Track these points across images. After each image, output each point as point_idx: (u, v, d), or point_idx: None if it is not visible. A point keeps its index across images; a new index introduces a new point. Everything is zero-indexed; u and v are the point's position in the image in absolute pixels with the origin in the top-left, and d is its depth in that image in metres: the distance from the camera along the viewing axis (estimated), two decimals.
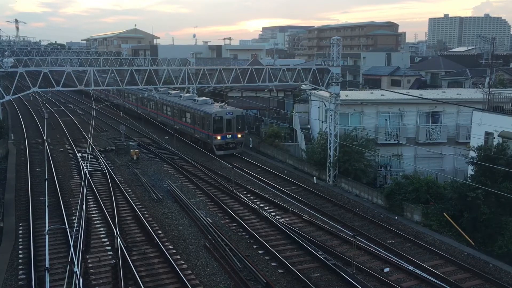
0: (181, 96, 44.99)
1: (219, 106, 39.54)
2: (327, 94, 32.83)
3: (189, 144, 42.58)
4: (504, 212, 22.26)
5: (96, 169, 34.50)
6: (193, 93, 48.26)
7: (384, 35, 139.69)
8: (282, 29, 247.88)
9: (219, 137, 37.52)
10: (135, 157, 37.35)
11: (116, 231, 21.68)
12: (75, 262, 15.94)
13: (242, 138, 38.90)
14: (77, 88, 29.22)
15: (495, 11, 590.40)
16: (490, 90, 29.92)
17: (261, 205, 26.98)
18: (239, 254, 20.15)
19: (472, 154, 25.32)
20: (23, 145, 42.34)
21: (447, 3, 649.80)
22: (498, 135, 24.44)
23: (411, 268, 19.11)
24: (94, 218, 24.77)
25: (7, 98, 26.41)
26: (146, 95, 48.63)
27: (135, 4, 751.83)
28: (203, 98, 42.84)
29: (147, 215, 25.15)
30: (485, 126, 25.82)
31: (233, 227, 23.82)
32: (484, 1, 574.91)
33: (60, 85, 27.45)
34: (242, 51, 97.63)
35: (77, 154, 37.92)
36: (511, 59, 77.99)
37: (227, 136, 37.83)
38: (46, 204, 21.70)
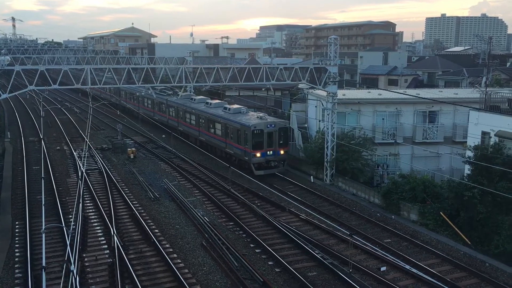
0: (208, 103, 39.40)
1: (257, 117, 33.70)
2: (324, 93, 32.85)
3: (207, 156, 36.63)
4: (500, 211, 22.33)
5: (93, 167, 34.44)
6: (191, 92, 47.90)
7: (381, 35, 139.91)
8: (279, 28, 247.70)
9: (258, 154, 31.71)
10: (132, 156, 37.30)
11: (113, 230, 21.66)
12: (72, 261, 15.93)
13: (285, 155, 33.06)
14: (74, 87, 29.10)
15: (492, 11, 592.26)
16: (487, 89, 29.97)
17: (258, 203, 26.98)
18: (236, 253, 20.15)
19: (469, 153, 25.39)
20: (19, 144, 42.22)
21: (444, 2, 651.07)
22: (495, 135, 24.50)
23: (407, 267, 19.16)
24: (91, 217, 24.73)
25: (3, 96, 26.30)
26: (165, 100, 44.96)
27: (132, 2, 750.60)
28: (236, 106, 37.01)
29: (144, 214, 25.12)
30: (481, 125, 25.87)
31: (230, 226, 23.82)
32: (481, 1, 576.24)
33: (57, 84, 27.36)
34: (239, 50, 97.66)
35: (74, 153, 37.84)
36: (508, 58, 78.23)
37: (268, 152, 32.03)
38: (43, 203, 21.75)
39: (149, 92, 47.07)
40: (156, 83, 31.21)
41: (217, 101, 40.53)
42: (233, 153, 33.91)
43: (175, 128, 43.78)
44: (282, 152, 32.62)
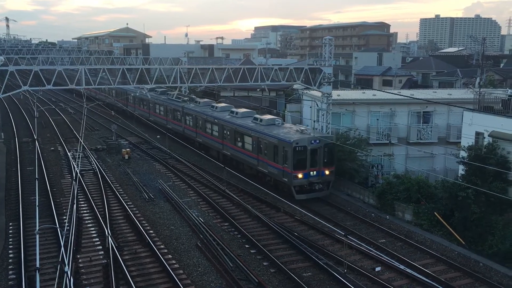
0: (233, 112, 34.70)
1: (297, 130, 28.99)
2: (319, 94, 32.88)
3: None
4: (494, 211, 22.45)
5: (87, 168, 34.32)
6: (185, 92, 47.69)
7: (376, 35, 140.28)
8: (274, 28, 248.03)
9: (300, 175, 26.99)
10: (126, 157, 37.20)
11: (107, 231, 21.59)
12: (66, 262, 15.85)
13: (331, 176, 28.20)
14: (68, 87, 29.01)
15: (486, 12, 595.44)
16: (481, 90, 30.12)
17: (253, 204, 26.96)
18: (231, 254, 20.14)
19: (463, 154, 25.51)
20: (13, 144, 42.02)
21: (438, 3, 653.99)
22: (489, 135, 24.61)
23: (402, 267, 19.20)
24: (85, 218, 24.64)
25: None
26: (180, 107, 40.78)
27: (127, 2, 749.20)
28: (269, 116, 32.69)
29: (138, 215, 25.06)
30: (475, 126, 25.99)
31: (225, 227, 23.81)
32: (475, 2, 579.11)
33: (51, 84, 27.26)
34: (234, 50, 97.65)
35: (68, 153, 37.69)
36: (501, 59, 78.63)
37: (311, 173, 27.45)
38: (37, 204, 21.64)
39: (162, 97, 44.70)
40: (151, 84, 31.17)
41: (244, 110, 35.47)
42: (267, 173, 29.25)
43: (192, 139, 39.33)
44: (327, 172, 27.88)
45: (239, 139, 32.28)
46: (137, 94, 50.04)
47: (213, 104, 38.17)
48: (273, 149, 28.31)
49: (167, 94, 44.96)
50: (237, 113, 34.22)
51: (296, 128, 29.78)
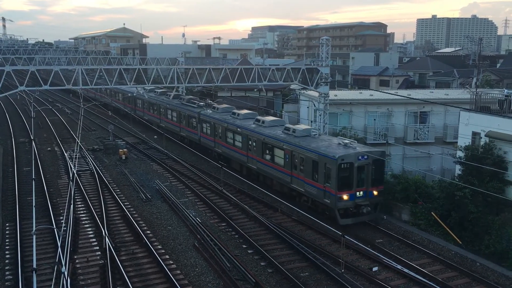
0: (259, 121, 30.74)
1: (340, 143, 24.95)
2: (316, 94, 32.92)
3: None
4: (491, 211, 22.53)
5: (84, 168, 34.25)
6: (182, 92, 47.61)
7: (372, 36, 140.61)
8: (271, 28, 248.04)
9: (345, 197, 23.33)
10: (123, 157, 37.14)
11: (104, 231, 21.54)
12: (63, 263, 15.83)
13: (379, 197, 24.50)
14: (65, 87, 28.97)
15: (482, 12, 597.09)
16: (477, 90, 30.21)
17: (250, 204, 26.95)
18: (228, 254, 20.14)
19: (460, 154, 25.58)
20: (10, 145, 41.90)
21: (435, 4, 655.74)
22: (485, 135, 24.67)
23: (399, 267, 19.23)
24: (82, 218, 24.59)
25: None
26: (196, 113, 37.27)
27: (124, 2, 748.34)
28: (303, 126, 28.71)
29: (135, 215, 25.03)
30: (472, 126, 26.06)
31: (222, 227, 23.80)
32: (472, 2, 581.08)
33: (48, 84, 27.21)
34: (231, 50, 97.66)
35: (65, 154, 37.60)
36: (498, 59, 78.89)
37: (358, 194, 23.72)
38: (33, 204, 21.57)
39: (175, 102, 41.73)
40: (148, 84, 31.14)
41: (272, 118, 32.11)
42: (303, 192, 25.56)
43: (210, 148, 35.92)
44: (375, 192, 24.17)
45: (267, 151, 28.58)
46: (147, 97, 47.01)
47: (234, 111, 34.42)
48: (311, 165, 24.58)
49: (180, 99, 42.03)
50: (263, 121, 30.45)
51: (337, 140, 25.84)
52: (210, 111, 36.39)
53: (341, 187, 23.25)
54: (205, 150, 36.55)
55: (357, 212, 23.82)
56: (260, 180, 29.97)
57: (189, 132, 39.31)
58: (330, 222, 23.12)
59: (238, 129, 31.54)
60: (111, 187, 29.48)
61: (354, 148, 24.23)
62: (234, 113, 33.91)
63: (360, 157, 23.60)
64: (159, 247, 21.17)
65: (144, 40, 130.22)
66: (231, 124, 32.53)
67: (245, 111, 34.56)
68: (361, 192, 23.80)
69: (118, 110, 57.13)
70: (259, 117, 31.64)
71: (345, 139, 25.68)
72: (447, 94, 38.39)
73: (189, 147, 38.21)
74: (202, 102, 39.65)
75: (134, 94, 50.44)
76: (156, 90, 47.76)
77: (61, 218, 23.97)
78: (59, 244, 18.59)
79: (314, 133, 27.25)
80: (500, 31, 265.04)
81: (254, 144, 29.87)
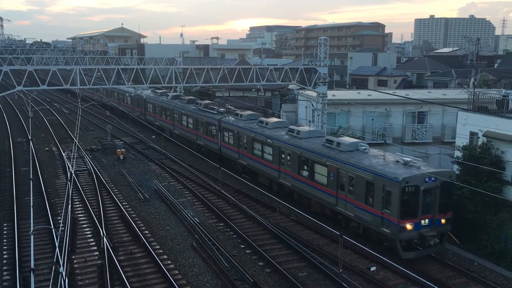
0: (294, 131, 27.03)
1: (398, 161, 21.15)
2: (314, 94, 32.97)
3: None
4: (489, 211, 22.54)
5: (82, 168, 34.22)
6: (181, 93, 47.55)
7: (370, 36, 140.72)
8: (269, 28, 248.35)
9: (409, 226, 19.71)
10: (121, 157, 37.10)
11: (102, 231, 21.52)
12: (61, 263, 15.80)
13: (447, 225, 20.86)
14: (63, 87, 28.93)
15: (480, 12, 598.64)
16: (475, 90, 30.27)
17: (248, 204, 26.95)
18: (227, 254, 20.13)
19: (458, 153, 25.63)
20: (7, 145, 41.83)
21: (432, 4, 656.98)
22: (483, 135, 24.73)
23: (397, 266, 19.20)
24: (80, 218, 24.56)
25: None
26: (216, 120, 34.04)
27: (122, 2, 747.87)
28: (350, 139, 24.51)
29: (133, 215, 25.00)
30: (470, 126, 26.12)
31: (221, 227, 23.79)
32: (469, 3, 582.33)
33: (46, 84, 27.19)
34: (229, 50, 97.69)
35: (63, 154, 37.55)
36: (496, 59, 79.03)
37: (423, 222, 20.09)
38: (31, 204, 21.53)
39: (191, 107, 38.69)
40: (146, 84, 31.15)
41: (307, 127, 28.63)
42: (352, 217, 21.96)
43: (233, 160, 32.58)
44: (443, 221, 20.53)
45: (305, 167, 25.11)
46: (159, 101, 44.63)
47: (261, 119, 30.96)
48: (364, 186, 21.02)
49: (196, 104, 39.09)
50: (298, 132, 26.80)
51: (392, 157, 22.03)
52: (233, 118, 33.06)
53: (404, 215, 19.58)
54: (226, 161, 33.54)
55: (424, 244, 20.06)
56: (295, 199, 26.66)
57: (208, 141, 36.01)
58: (387, 253, 20.09)
59: (268, 139, 28.25)
60: (109, 187, 29.44)
61: (419, 167, 20.46)
62: (261, 122, 30.37)
63: (427, 179, 19.90)
64: (157, 247, 21.15)
65: (142, 40, 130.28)
66: (259, 134, 29.20)
67: (274, 119, 31.76)
68: (427, 220, 20.11)
69: (125, 114, 53.50)
70: (292, 127, 28.12)
71: (406, 157, 21.60)
72: (445, 94, 38.46)
73: (207, 157, 34.75)
74: (222, 108, 36.12)
75: (144, 97, 48.15)
76: (168, 93, 45.66)
77: (59, 218, 23.91)
78: (57, 244, 18.54)
79: (363, 147, 23.30)
80: (498, 31, 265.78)
81: (288, 157, 26.47)
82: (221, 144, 33.91)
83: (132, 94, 51.88)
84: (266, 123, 29.73)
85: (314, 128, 28.94)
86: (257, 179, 30.18)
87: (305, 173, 25.14)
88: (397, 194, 19.43)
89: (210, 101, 38.47)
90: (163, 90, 46.24)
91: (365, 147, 23.30)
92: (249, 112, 34.16)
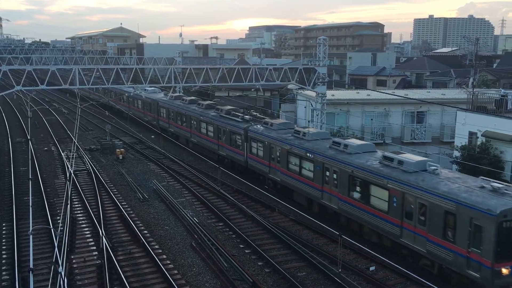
0: (341, 144, 23.36)
1: (484, 186, 17.12)
2: (313, 94, 32.98)
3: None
4: None
5: (81, 168, 34.19)
6: (180, 92, 47.48)
7: (370, 36, 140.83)
8: (269, 28, 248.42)
9: (505, 270, 15.92)
10: (120, 157, 37.08)
11: (101, 231, 21.51)
12: (60, 263, 15.79)
13: None
14: (62, 87, 28.93)
15: (479, 12, 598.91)
16: (474, 90, 30.31)
17: (248, 204, 26.95)
18: (226, 254, 20.14)
19: (456, 153, 25.67)
20: (6, 145, 41.79)
21: (432, 4, 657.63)
22: (482, 135, 24.77)
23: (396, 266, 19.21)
24: (79, 218, 24.55)
25: None
26: (242, 129, 30.65)
27: (121, 2, 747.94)
28: (416, 158, 20.38)
29: (133, 215, 24.99)
30: (469, 126, 26.16)
31: (220, 227, 23.79)
32: (468, 2, 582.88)
33: (45, 84, 27.19)
34: (228, 50, 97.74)
35: (62, 154, 37.53)
36: (495, 59, 79.13)
37: None
38: (30, 204, 21.54)
39: (211, 114, 35.47)
40: (145, 84, 31.15)
41: (359, 142, 23.74)
42: (425, 253, 18.23)
43: (263, 174, 29.26)
44: None
45: (358, 188, 21.49)
46: (174, 106, 41.64)
47: (298, 129, 27.23)
48: (442, 217, 17.31)
49: (217, 110, 35.74)
50: (346, 145, 22.97)
51: (471, 180, 18.23)
52: (262, 127, 29.61)
53: (500, 257, 15.81)
54: (254, 174, 30.44)
55: None
56: (342, 223, 23.19)
57: (232, 151, 32.51)
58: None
59: (308, 154, 24.59)
60: (108, 187, 29.43)
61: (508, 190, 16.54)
62: (298, 132, 26.74)
63: None
64: (156, 247, 21.15)
65: (141, 40, 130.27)
66: (296, 147, 25.67)
67: (312, 129, 27.71)
68: None
69: (134, 119, 50.19)
70: (337, 139, 24.32)
71: (489, 180, 17.51)
72: (444, 94, 38.50)
73: (231, 170, 31.99)
74: (247, 115, 32.95)
75: (158, 102, 45.34)
76: (183, 97, 42.44)
77: (58, 218, 23.92)
78: (56, 244, 18.54)
79: (432, 167, 19.19)
80: (497, 31, 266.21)
81: (334, 175, 22.83)
82: (248, 155, 30.55)
83: (143, 97, 46.19)
84: (304, 134, 26.09)
85: (363, 142, 24.19)
86: (292, 197, 26.89)
87: (358, 195, 21.52)
88: (492, 231, 15.64)
89: (232, 107, 35.77)
90: (178, 94, 44.21)
91: (435, 167, 19.21)
92: (281, 120, 31.84)
